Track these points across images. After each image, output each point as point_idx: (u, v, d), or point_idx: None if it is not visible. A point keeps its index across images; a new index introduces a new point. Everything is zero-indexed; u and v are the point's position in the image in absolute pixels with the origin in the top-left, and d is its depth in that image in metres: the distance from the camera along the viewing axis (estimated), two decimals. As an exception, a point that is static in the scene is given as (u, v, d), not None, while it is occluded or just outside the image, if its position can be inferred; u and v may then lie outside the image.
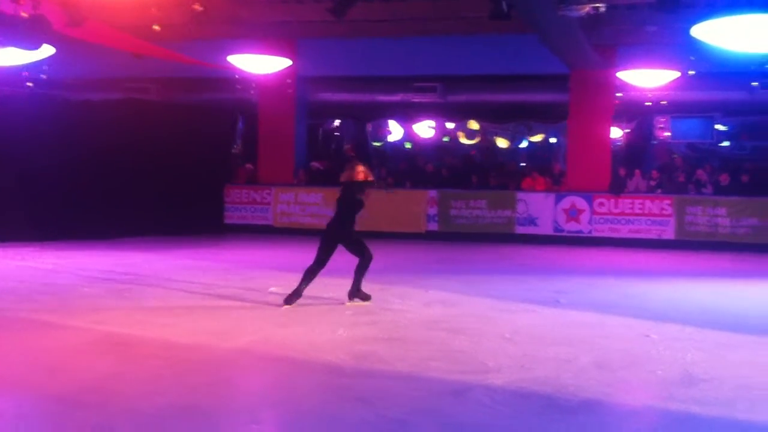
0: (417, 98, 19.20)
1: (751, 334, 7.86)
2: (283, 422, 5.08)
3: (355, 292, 9.01)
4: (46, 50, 12.75)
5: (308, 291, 8.89)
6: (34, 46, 11.51)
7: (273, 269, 12.05)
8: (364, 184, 8.92)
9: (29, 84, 16.72)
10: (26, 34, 11.16)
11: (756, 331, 7.99)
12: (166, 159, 16.47)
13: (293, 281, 8.95)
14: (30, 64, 14.30)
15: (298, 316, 8.33)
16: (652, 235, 16.48)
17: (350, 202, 8.96)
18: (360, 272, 8.96)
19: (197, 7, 12.73)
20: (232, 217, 18.33)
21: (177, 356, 6.48)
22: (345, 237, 8.86)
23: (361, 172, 8.87)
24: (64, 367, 6.12)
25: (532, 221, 17.01)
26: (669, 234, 16.44)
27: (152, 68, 17.32)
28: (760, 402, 5.56)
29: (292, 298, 8.70)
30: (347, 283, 9.14)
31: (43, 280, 10.54)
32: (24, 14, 11.15)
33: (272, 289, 9.95)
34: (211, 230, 17.49)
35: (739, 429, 5.00)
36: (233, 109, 19.89)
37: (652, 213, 16.55)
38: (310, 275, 8.75)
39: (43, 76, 16.84)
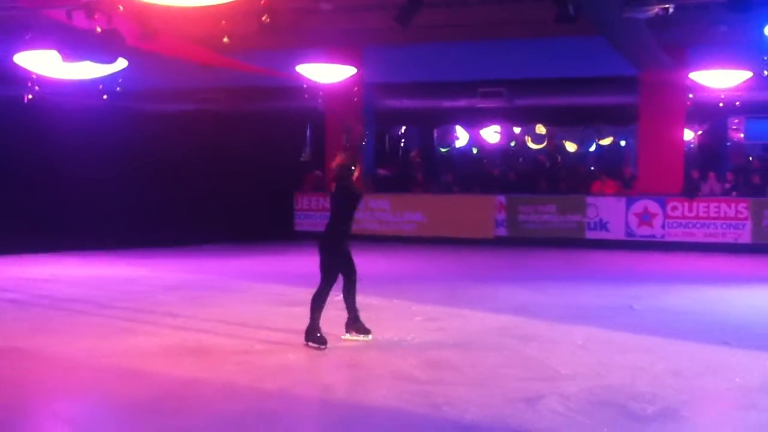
0: (482, 103, 19.11)
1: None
2: (354, 428, 5.11)
3: (354, 322, 7.51)
4: (120, 63, 13.11)
5: (381, 298, 8.91)
6: (109, 59, 11.83)
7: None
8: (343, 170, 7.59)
9: (105, 96, 17.20)
10: (101, 47, 11.48)
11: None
12: (237, 167, 16.78)
13: (361, 287, 8.97)
14: (105, 77, 14.71)
15: (368, 322, 8.35)
16: (728, 239, 16.06)
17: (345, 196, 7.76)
18: (352, 297, 7.54)
19: (265, 18, 12.90)
20: (302, 224, 18.52)
21: (251, 362, 6.58)
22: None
23: (338, 158, 7.58)
24: (141, 372, 6.27)
25: (603, 226, 16.76)
26: (745, 238, 16.00)
27: (222, 79, 17.64)
28: None
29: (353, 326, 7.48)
30: (410, 288, 9.12)
31: (119, 288, 10.81)
32: (98, 29, 11.48)
33: (339, 296, 10.01)
34: (282, 237, 17.72)
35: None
36: (301, 118, 20.13)
37: (727, 216, 16.13)
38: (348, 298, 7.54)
39: (118, 89, 17.30)
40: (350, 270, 7.56)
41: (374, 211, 18.07)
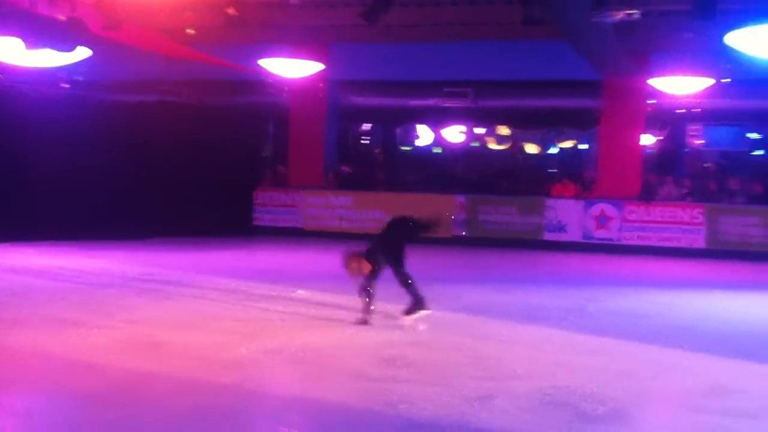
0: (448, 103, 19.20)
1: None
2: (310, 426, 5.11)
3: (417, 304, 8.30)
4: (83, 52, 12.94)
5: (340, 295, 8.92)
6: (71, 48, 11.68)
7: (301, 272, 12.12)
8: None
9: (65, 85, 16.96)
10: (63, 36, 11.33)
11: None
12: (198, 161, 16.64)
13: (320, 284, 8.99)
14: (66, 65, 14.51)
15: (325, 319, 8.36)
16: (683, 244, 16.32)
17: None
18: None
19: (231, 11, 12.83)
20: (262, 220, 18.43)
21: (206, 357, 6.54)
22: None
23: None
24: (93, 366, 6.20)
25: (561, 228, 16.93)
26: (700, 243, 16.27)
27: (186, 71, 17.51)
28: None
29: (412, 311, 8.22)
30: (376, 288, 9.11)
31: (74, 280, 10.68)
32: (61, 17, 11.32)
33: (299, 292, 10.01)
34: (241, 232, 17.61)
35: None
36: (264, 113, 20.04)
37: (683, 221, 16.39)
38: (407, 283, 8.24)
39: (79, 78, 17.08)
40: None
41: (336, 209, 18.05)
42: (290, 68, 15.31)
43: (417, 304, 8.23)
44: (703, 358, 7.12)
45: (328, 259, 13.79)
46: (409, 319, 8.18)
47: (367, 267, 7.99)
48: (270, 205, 18.48)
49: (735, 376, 6.49)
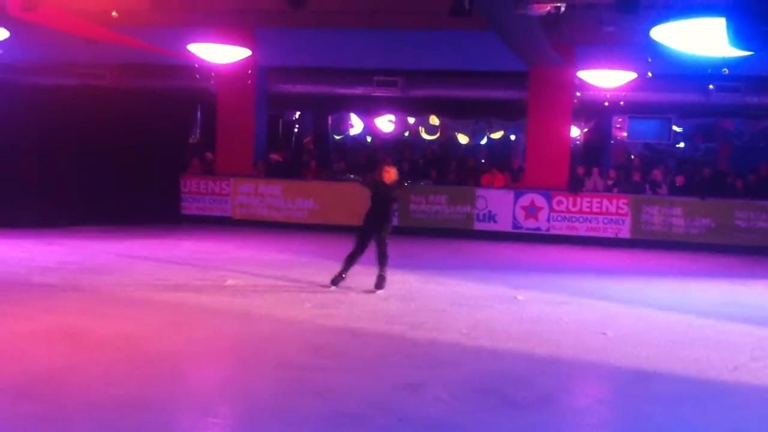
0: (378, 92, 19.14)
1: (703, 332, 7.98)
2: (236, 416, 5.03)
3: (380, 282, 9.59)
4: (0, 34, 12.47)
5: (271, 284, 8.82)
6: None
7: (231, 261, 11.95)
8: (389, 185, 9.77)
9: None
10: (-21, 17, 10.91)
11: (708, 331, 8.12)
12: (122, 147, 16.16)
13: (250, 273, 8.88)
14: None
15: (256, 308, 8.26)
16: (609, 234, 16.66)
17: (383, 199, 9.75)
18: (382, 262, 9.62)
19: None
20: (189, 208, 18.09)
21: (132, 347, 6.38)
22: (379, 229, 9.65)
23: (386, 172, 9.81)
24: (14, 356, 5.99)
25: (491, 218, 17.09)
26: (625, 233, 16.63)
27: (109, 54, 17.03)
28: (709, 400, 5.65)
29: (336, 280, 9.52)
30: (300, 275, 9.07)
31: (-7, 269, 10.32)
32: (-23, -3, 10.89)
33: (228, 281, 9.86)
34: (168, 220, 17.24)
35: (688, 426, 5.06)
36: (192, 98, 19.65)
37: (609, 212, 16.72)
38: (350, 260, 9.57)
39: (-4, 60, 16.49)
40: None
41: (265, 197, 17.86)
42: (218, 53, 15.03)
43: (380, 281, 9.50)
44: (627, 345, 7.26)
45: (258, 248, 13.67)
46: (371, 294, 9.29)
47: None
48: (198, 193, 18.14)
49: (658, 362, 6.63)
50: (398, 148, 24.54)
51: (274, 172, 18.62)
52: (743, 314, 9.09)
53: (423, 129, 26.30)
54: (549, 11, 12.22)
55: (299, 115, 23.96)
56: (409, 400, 5.28)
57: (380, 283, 9.54)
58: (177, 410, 4.98)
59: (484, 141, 28.23)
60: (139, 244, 13.59)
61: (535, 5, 12.00)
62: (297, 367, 6.01)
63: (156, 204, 17.13)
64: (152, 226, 16.21)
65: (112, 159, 16.08)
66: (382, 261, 9.62)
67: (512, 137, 27.50)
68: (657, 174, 18.00)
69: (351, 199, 17.48)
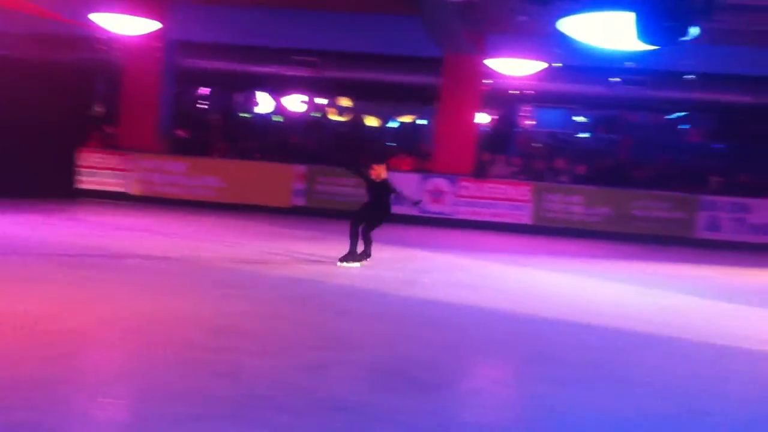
0: (291, 71, 18.98)
1: (601, 315, 8.24)
2: (132, 396, 4.92)
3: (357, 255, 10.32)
4: None
5: (177, 262, 8.63)
6: None
7: (133, 237, 11.66)
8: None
9: None
10: None
11: (610, 315, 8.38)
12: (16, 119, 15.49)
13: (153, 252, 8.68)
14: None
15: (161, 287, 8.09)
16: (512, 220, 17.01)
17: (373, 194, 10.63)
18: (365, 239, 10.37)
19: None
20: (86, 182, 17.53)
21: (29, 326, 6.15)
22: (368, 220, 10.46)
23: (373, 170, 10.58)
24: None
25: (396, 200, 17.18)
26: (527, 219, 17.03)
27: (4, 22, 16.31)
28: (600, 382, 5.84)
29: (347, 258, 10.20)
30: (206, 254, 8.92)
31: None
32: None
33: (131, 260, 9.62)
34: (63, 194, 16.60)
35: (580, 407, 5.22)
36: (93, 70, 19.00)
37: (512, 198, 17.08)
38: (353, 238, 10.29)
39: None
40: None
41: (169, 174, 17.48)
42: (125, 25, 14.58)
43: (358, 255, 10.22)
44: (527, 327, 7.44)
45: (162, 226, 13.38)
46: (342, 265, 10.07)
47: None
48: (96, 168, 17.60)
49: (555, 344, 6.82)
50: (308, 129, 24.41)
51: (178, 148, 18.25)
52: (642, 300, 9.45)
53: (333, 110, 26.21)
54: (464, -1, 12.34)
55: (207, 91, 23.55)
56: (312, 380, 5.27)
57: (346, 257, 10.22)
58: (74, 390, 4.83)
59: (395, 124, 28.34)
60: (35, 218, 13.11)
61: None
62: (203, 347, 5.92)
63: (50, 177, 16.46)
64: (46, 200, 15.61)
65: (5, 131, 15.38)
66: (364, 241, 10.30)
67: (422, 122, 27.71)
68: (560, 163, 18.48)
69: (257, 179, 17.39)
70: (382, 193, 10.52)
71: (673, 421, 5.06)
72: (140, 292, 7.79)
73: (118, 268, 9.06)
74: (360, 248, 10.32)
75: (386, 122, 28.27)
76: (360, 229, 10.33)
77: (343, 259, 10.24)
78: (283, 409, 4.70)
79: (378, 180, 10.48)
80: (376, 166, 10.54)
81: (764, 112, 18.43)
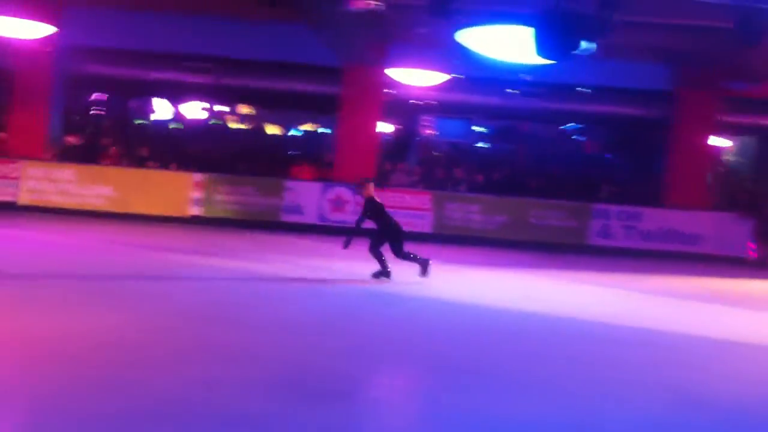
0: (189, 78, 18.62)
1: (499, 323, 8.35)
2: (18, 414, 4.68)
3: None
4: None
5: (65, 276, 8.29)
6: None
7: (19, 249, 11.17)
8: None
9: None
10: None
11: (514, 318, 8.51)
12: None
13: (43, 265, 8.32)
14: None
15: (48, 301, 7.75)
16: (411, 228, 17.11)
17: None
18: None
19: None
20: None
21: None
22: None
23: (364, 189, 10.93)
24: None
25: (298, 210, 17.09)
26: (427, 227, 17.17)
27: None
28: (504, 390, 5.91)
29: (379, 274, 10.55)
30: (95, 266, 8.62)
31: None
32: None
33: (18, 273, 9.21)
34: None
35: (480, 415, 5.26)
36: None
37: (412, 206, 17.19)
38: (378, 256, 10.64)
39: None
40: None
41: (58, 183, 16.85)
42: (17, 29, 13.96)
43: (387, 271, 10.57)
44: (428, 336, 7.47)
45: (48, 236, 12.86)
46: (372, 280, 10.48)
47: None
48: (-15, 176, 16.82)
49: (455, 353, 6.86)
50: (207, 136, 24.03)
51: (69, 155, 17.63)
52: (535, 306, 9.63)
53: (233, 118, 25.89)
54: (367, 9, 12.37)
55: (101, 98, 22.88)
56: (204, 396, 5.13)
57: (376, 274, 10.61)
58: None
59: (297, 133, 28.22)
60: None
61: (355, 1, 12.12)
62: (90, 364, 5.69)
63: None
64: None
65: None
66: (408, 258, 10.68)
67: (324, 131, 27.68)
68: (459, 172, 18.75)
69: (153, 187, 16.96)
70: (370, 211, 10.75)
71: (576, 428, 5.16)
72: (23, 307, 7.45)
73: (2, 283, 8.65)
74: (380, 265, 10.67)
75: (288, 130, 28.12)
76: (374, 249, 10.66)
77: (374, 275, 10.60)
78: (174, 424, 4.56)
79: (367, 198, 10.75)
80: (366, 184, 10.88)
81: (655, 124, 19.16)
